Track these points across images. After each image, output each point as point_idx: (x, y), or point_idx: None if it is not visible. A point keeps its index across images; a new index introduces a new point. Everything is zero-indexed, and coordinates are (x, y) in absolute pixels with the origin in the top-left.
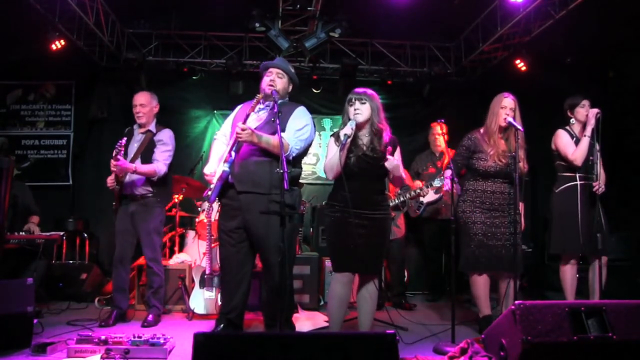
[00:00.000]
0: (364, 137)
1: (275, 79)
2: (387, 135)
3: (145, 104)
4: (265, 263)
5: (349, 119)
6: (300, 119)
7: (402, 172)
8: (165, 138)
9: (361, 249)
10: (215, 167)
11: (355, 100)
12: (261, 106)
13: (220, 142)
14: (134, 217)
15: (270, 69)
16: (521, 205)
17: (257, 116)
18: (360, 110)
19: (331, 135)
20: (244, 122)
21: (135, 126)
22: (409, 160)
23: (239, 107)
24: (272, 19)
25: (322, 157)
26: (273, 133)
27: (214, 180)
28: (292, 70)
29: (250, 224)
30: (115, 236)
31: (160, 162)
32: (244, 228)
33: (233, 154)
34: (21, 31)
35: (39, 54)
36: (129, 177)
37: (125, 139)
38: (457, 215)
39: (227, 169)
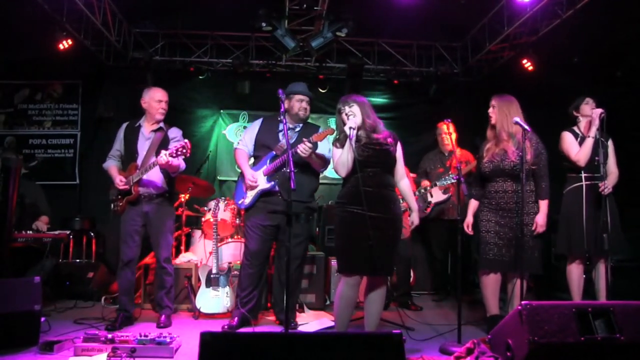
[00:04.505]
0: (362, 134)
1: (307, 107)
2: (384, 130)
3: (168, 101)
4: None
5: (344, 124)
6: (327, 141)
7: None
8: (179, 136)
9: (373, 249)
10: (253, 173)
11: (344, 106)
12: (290, 125)
13: (245, 151)
14: (148, 217)
15: (301, 97)
16: (544, 203)
17: (289, 135)
18: (352, 112)
19: (333, 142)
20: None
21: (142, 123)
22: (416, 160)
23: (258, 121)
24: (279, 18)
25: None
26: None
27: (258, 188)
28: None
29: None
30: (123, 238)
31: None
32: (278, 226)
33: (285, 168)
34: (28, 31)
35: (46, 54)
36: (147, 176)
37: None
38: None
39: (273, 182)
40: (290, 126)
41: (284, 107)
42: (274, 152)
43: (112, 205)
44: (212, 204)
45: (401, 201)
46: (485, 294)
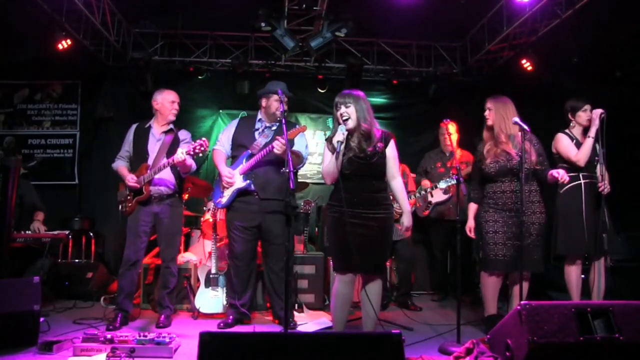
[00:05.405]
0: (355, 139)
1: (285, 107)
2: (377, 132)
3: (180, 102)
4: (273, 254)
5: (339, 124)
6: (303, 137)
7: (332, 164)
8: (189, 137)
9: (361, 249)
10: (229, 170)
11: (340, 105)
12: (267, 124)
13: (222, 151)
14: (158, 217)
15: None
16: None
17: (265, 133)
18: (347, 113)
19: (325, 140)
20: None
21: (152, 124)
22: (416, 160)
23: (235, 121)
24: (278, 18)
25: None
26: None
27: (234, 186)
28: None
29: (269, 224)
30: (131, 239)
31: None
32: (259, 226)
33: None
34: (28, 31)
35: (46, 54)
36: (159, 176)
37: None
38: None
39: (249, 180)
40: (267, 124)
41: (283, 107)
42: (250, 151)
43: (120, 207)
44: (211, 204)
45: (394, 204)
46: (485, 294)
